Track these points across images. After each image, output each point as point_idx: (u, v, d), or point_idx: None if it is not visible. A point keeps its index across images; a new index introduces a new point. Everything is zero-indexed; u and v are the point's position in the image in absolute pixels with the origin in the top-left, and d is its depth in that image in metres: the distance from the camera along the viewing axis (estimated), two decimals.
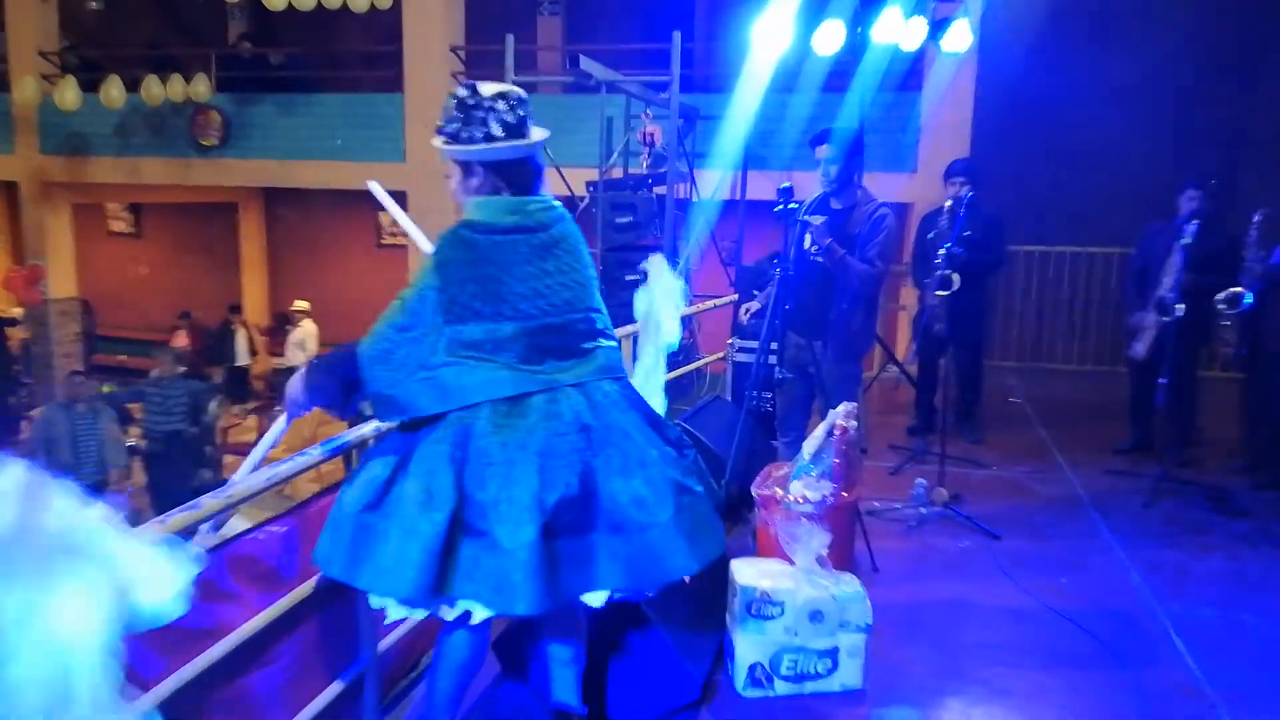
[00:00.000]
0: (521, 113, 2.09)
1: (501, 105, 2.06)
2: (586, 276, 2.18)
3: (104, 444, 7.46)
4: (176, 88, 9.55)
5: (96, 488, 7.05)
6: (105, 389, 8.42)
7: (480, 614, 1.97)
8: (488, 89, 2.08)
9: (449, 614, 2.00)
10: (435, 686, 2.16)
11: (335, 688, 2.27)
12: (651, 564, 1.98)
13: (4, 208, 13.52)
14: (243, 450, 9.31)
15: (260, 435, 9.87)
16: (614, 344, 2.21)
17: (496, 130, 2.05)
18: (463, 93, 2.07)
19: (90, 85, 9.68)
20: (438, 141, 2.10)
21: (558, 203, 2.19)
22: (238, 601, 2.09)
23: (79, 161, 10.63)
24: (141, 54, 11.38)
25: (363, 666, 2.33)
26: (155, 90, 9.53)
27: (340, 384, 2.08)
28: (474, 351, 2.00)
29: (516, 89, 2.13)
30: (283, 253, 13.85)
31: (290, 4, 8.25)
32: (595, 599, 2.03)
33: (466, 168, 2.09)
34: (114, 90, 9.47)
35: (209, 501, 1.89)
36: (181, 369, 8.13)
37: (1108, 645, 3.09)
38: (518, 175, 2.11)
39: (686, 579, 2.08)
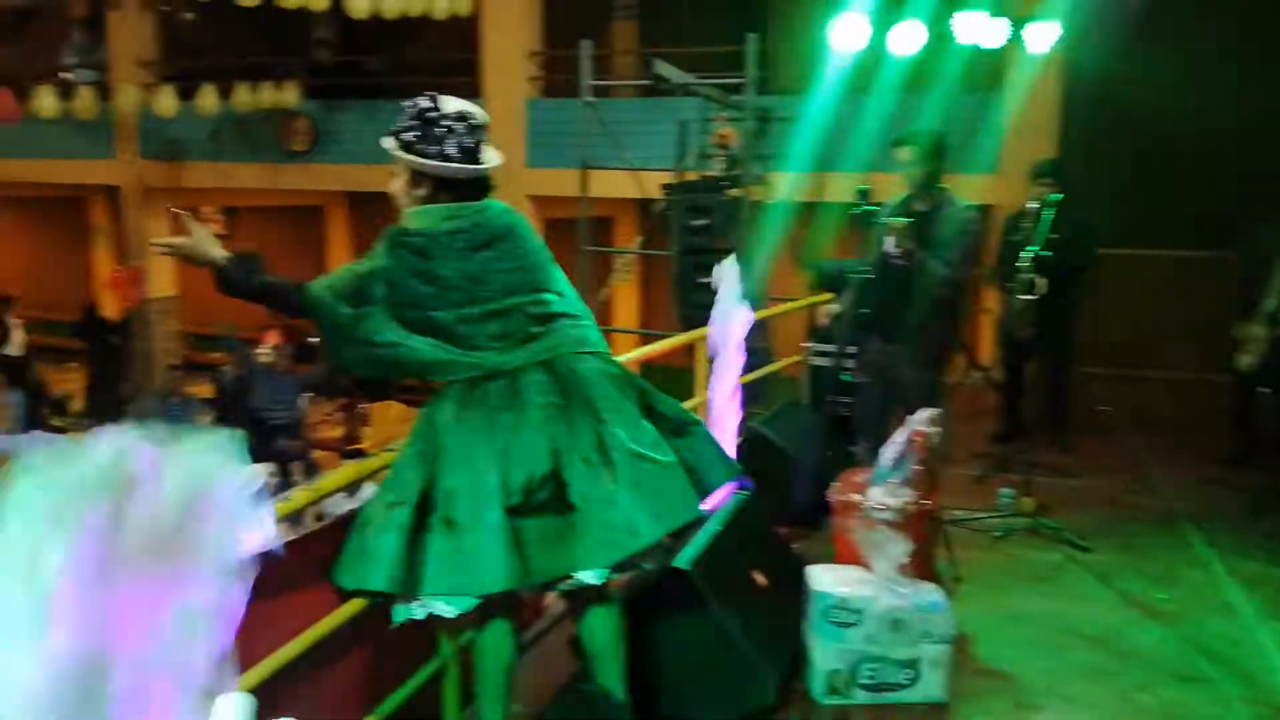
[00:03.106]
0: (479, 138, 2.15)
1: (461, 127, 2.12)
2: (534, 262, 2.21)
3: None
4: (266, 95, 9.87)
5: None
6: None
7: (465, 602, 1.97)
8: (450, 105, 2.13)
9: (447, 612, 1.99)
10: (480, 686, 2.21)
11: (416, 681, 2.31)
12: (615, 536, 1.97)
13: (109, 211, 14.16)
14: (329, 446, 9.58)
15: (346, 434, 10.18)
16: (578, 320, 2.23)
17: (452, 151, 2.11)
18: (425, 104, 2.13)
19: (186, 93, 10.06)
20: (391, 143, 2.15)
21: (497, 202, 2.23)
22: (319, 593, 2.15)
23: (176, 166, 11.08)
24: (233, 63, 11.80)
25: (443, 660, 2.37)
26: (246, 98, 9.86)
27: (255, 299, 2.17)
28: (416, 336, 2.08)
29: (478, 111, 2.17)
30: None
31: (375, 13, 8.46)
32: (590, 577, 2.01)
33: (416, 177, 2.15)
34: (208, 98, 9.83)
35: (298, 494, 1.94)
36: (291, 363, 8.54)
37: (1205, 664, 2.96)
38: (463, 193, 2.16)
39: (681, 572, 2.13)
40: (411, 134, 2.12)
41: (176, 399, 7.87)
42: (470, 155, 2.14)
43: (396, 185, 2.19)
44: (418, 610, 1.99)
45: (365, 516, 2.02)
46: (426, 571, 1.93)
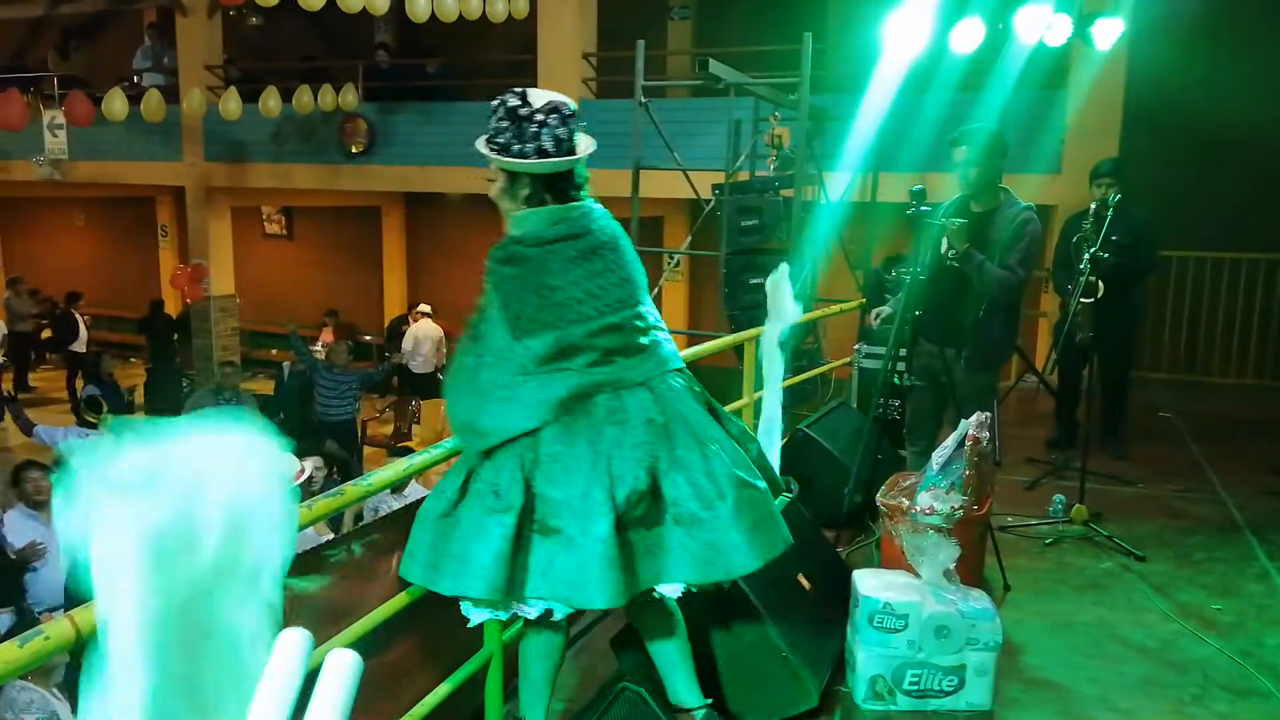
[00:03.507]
0: (571, 127, 2.10)
1: (554, 120, 2.06)
2: (632, 272, 2.19)
3: None
4: (327, 98, 10.06)
5: None
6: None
7: (560, 611, 2.01)
8: (538, 99, 2.08)
9: (530, 614, 2.03)
10: (525, 681, 2.22)
11: (460, 674, 2.34)
12: (715, 557, 1.99)
13: (174, 211, 14.59)
14: (379, 443, 9.75)
15: (396, 430, 10.42)
16: (667, 335, 2.23)
17: (549, 145, 2.05)
18: (514, 102, 2.07)
19: (250, 96, 10.32)
20: (485, 149, 2.09)
21: (598, 205, 2.20)
22: (379, 581, 2.20)
23: (238, 167, 11.36)
24: (295, 66, 12.07)
25: (487, 654, 2.40)
26: (307, 100, 10.07)
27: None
28: (547, 365, 2.03)
29: (567, 100, 2.12)
30: (421, 255, 14.43)
31: (432, 16, 8.57)
32: (671, 590, 2.04)
33: (514, 178, 2.10)
34: (271, 100, 10.06)
35: (351, 489, 1.99)
36: (352, 359, 8.72)
37: (1262, 678, 2.88)
38: (563, 187, 2.12)
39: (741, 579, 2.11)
40: (504, 135, 2.07)
41: (229, 394, 8.08)
42: (565, 146, 2.09)
43: (495, 190, 2.14)
44: (503, 612, 2.02)
45: (456, 517, 2.00)
46: (529, 579, 1.95)
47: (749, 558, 2.01)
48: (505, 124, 2.07)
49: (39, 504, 5.29)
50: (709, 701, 2.25)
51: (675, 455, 2.02)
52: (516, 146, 2.06)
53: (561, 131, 2.08)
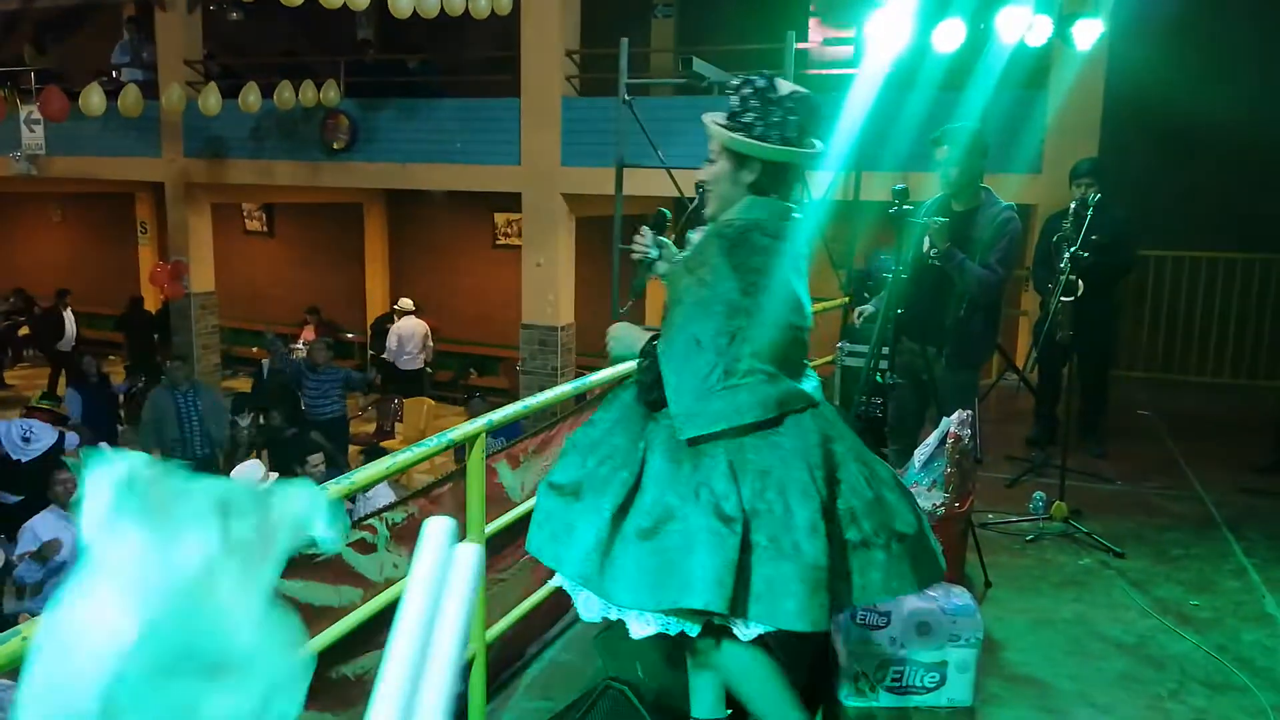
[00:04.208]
0: (816, 120, 2.01)
1: (802, 109, 1.96)
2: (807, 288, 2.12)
3: (206, 419, 7.91)
4: (308, 93, 9.99)
5: (206, 461, 7.56)
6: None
7: (754, 631, 1.90)
8: (785, 86, 1.97)
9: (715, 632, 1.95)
10: (759, 703, 2.06)
11: None
12: (876, 583, 1.93)
13: (153, 207, 14.45)
14: (361, 441, 9.70)
15: (379, 427, 10.34)
16: None
17: (791, 134, 1.95)
18: (762, 84, 1.95)
19: (230, 91, 10.22)
20: (719, 123, 1.98)
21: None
22: (360, 580, 2.19)
23: (218, 164, 11.27)
24: (276, 61, 11.97)
25: (470, 654, 2.40)
26: (288, 96, 9.99)
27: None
28: (768, 363, 1.92)
29: (809, 94, 2.01)
30: (404, 252, 14.37)
31: (415, 12, 8.53)
32: None
33: (743, 161, 1.98)
34: (251, 96, 9.98)
35: (333, 488, 1.98)
36: (333, 356, 8.65)
37: (1239, 672, 2.92)
38: (790, 181, 2.03)
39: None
40: (748, 115, 1.94)
41: (185, 388, 7.95)
42: (804, 140, 1.99)
43: (713, 171, 2.02)
44: (674, 627, 1.92)
45: (685, 529, 1.85)
46: (743, 598, 1.84)
47: (908, 585, 1.99)
48: (752, 103, 1.95)
49: (72, 505, 5.21)
50: (729, 713, 2.17)
51: (854, 483, 1.96)
52: (760, 129, 1.94)
53: (807, 122, 1.97)
